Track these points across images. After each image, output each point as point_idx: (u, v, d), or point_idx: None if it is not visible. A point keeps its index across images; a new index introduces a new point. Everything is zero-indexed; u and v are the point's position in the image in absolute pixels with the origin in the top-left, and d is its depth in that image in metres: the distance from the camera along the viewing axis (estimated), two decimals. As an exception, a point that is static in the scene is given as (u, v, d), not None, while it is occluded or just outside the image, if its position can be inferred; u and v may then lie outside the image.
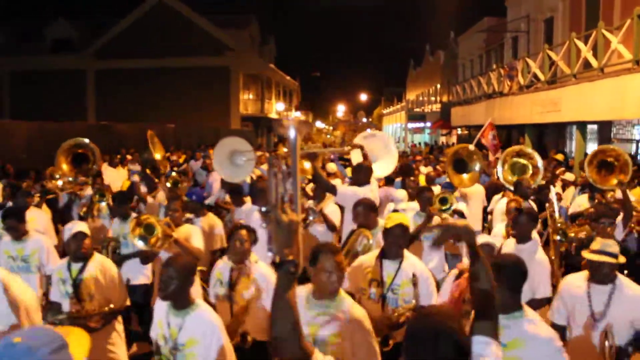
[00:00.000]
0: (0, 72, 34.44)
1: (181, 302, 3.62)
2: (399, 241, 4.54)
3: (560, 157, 15.16)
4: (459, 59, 36.54)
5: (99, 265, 4.80)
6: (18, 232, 5.59)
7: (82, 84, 34.60)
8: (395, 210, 7.64)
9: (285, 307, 2.15)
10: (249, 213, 6.86)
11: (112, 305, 4.65)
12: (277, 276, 2.17)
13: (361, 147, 7.17)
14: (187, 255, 4.06)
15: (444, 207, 6.54)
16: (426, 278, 4.56)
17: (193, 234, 5.80)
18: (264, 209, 2.19)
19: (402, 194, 8.67)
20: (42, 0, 55.34)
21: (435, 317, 2.22)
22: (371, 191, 6.78)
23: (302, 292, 3.52)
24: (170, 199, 6.19)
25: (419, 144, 39.91)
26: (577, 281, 4.34)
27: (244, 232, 4.60)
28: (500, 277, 3.19)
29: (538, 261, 5.14)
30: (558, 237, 6.33)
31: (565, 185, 10.72)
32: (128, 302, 4.87)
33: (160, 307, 3.73)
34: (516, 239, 5.43)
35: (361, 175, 6.68)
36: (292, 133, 2.12)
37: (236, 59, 34.12)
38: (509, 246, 5.40)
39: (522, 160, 8.54)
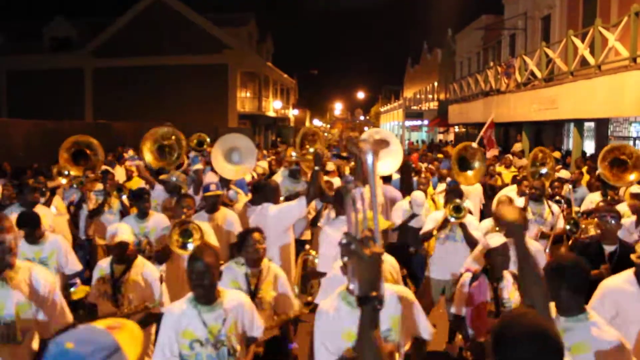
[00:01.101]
0: (-2, 71, 34.37)
1: (212, 295, 3.59)
2: None
3: (557, 154, 15.20)
4: (456, 57, 36.56)
5: (142, 268, 4.78)
6: (34, 237, 5.50)
7: (80, 82, 34.54)
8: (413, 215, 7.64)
9: (371, 345, 2.05)
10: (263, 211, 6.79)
11: (149, 305, 4.55)
12: (361, 312, 2.05)
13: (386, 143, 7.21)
14: (209, 248, 4.00)
15: (458, 216, 6.44)
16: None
17: (206, 230, 5.81)
18: (343, 240, 2.00)
19: (420, 195, 8.49)
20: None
21: (530, 319, 2.21)
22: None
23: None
24: (181, 197, 6.10)
25: (417, 141, 39.96)
26: (622, 284, 3.97)
27: (257, 235, 4.50)
28: (562, 279, 3.14)
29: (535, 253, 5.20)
30: (569, 227, 6.36)
31: (562, 182, 10.70)
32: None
33: (179, 317, 3.58)
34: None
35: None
36: (369, 158, 1.91)
37: (234, 56, 34.10)
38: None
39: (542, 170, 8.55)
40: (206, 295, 3.55)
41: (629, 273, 3.98)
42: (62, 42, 35.31)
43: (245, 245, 4.48)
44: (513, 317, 2.26)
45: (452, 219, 6.42)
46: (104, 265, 4.89)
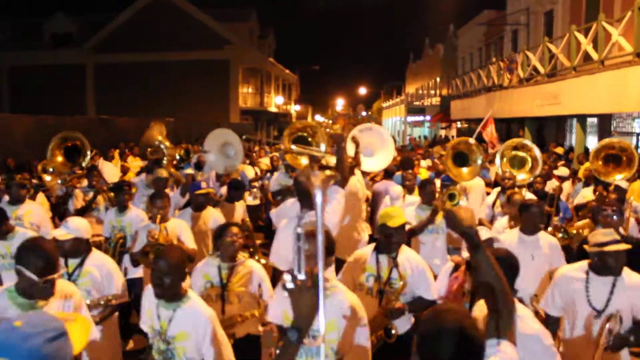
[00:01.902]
0: (-1, 67, 34.38)
1: (172, 296, 3.58)
2: (400, 239, 4.58)
3: (560, 150, 15.16)
4: (458, 52, 36.48)
5: (96, 261, 4.70)
6: (1, 232, 5.42)
7: (81, 78, 34.55)
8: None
9: None
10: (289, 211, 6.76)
11: (109, 297, 4.54)
12: (286, 342, 2.11)
13: (357, 143, 7.26)
14: (177, 249, 4.01)
15: (453, 203, 6.51)
16: (422, 271, 4.57)
17: (182, 229, 5.81)
18: (287, 279, 2.00)
19: (398, 189, 8.60)
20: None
21: (447, 314, 2.21)
22: (358, 182, 7.05)
23: None
24: (155, 197, 5.96)
25: (419, 137, 39.89)
26: (574, 273, 4.28)
27: (235, 229, 4.54)
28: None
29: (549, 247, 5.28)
30: (560, 235, 6.34)
31: (562, 180, 10.67)
32: (126, 298, 4.76)
33: (150, 297, 3.67)
34: (523, 230, 5.43)
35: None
36: (318, 196, 1.76)
37: (235, 52, 34.07)
38: (512, 238, 5.39)
39: (521, 153, 8.53)
40: (164, 295, 3.56)
41: (583, 263, 4.27)
42: (62, 38, 35.36)
43: (222, 238, 4.50)
44: (435, 313, 2.28)
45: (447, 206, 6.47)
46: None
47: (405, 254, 4.62)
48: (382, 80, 76.13)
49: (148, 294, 3.71)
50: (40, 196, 8.11)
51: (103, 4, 70.44)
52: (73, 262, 4.66)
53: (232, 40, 34.05)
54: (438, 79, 40.26)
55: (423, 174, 10.79)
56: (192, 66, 32.94)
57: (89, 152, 8.77)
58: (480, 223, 7.43)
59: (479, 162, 8.33)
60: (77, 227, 4.66)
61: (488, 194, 9.85)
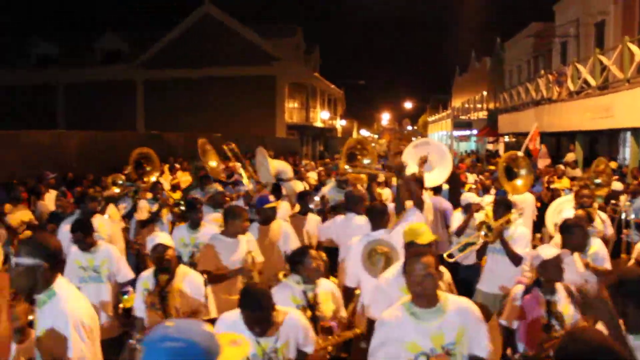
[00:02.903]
0: (55, 84, 35.49)
1: (268, 326, 3.67)
2: None
3: (613, 164, 14.73)
4: (505, 65, 36.00)
5: (185, 276, 4.77)
6: (85, 244, 5.56)
7: (131, 94, 35.41)
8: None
9: None
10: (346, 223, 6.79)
11: (195, 312, 4.58)
12: None
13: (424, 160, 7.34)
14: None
15: (485, 236, 6.35)
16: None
17: (251, 243, 5.83)
18: None
19: (448, 206, 8.51)
20: (92, 14, 56.97)
21: (592, 334, 2.29)
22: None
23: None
24: (234, 215, 5.83)
25: (465, 152, 39.40)
26: None
27: (313, 252, 4.49)
28: (625, 294, 3.00)
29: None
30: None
31: (616, 194, 10.36)
32: (215, 314, 4.73)
33: (232, 326, 3.65)
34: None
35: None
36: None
37: (281, 68, 34.40)
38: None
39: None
40: (261, 333, 3.60)
41: None
42: (113, 54, 36.34)
43: (304, 264, 4.43)
44: (577, 333, 2.33)
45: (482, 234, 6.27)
46: (146, 276, 4.88)
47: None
48: (428, 94, 75.59)
49: (226, 326, 3.66)
50: (111, 208, 8.28)
51: (153, 22, 72.24)
52: (162, 278, 4.74)
53: (279, 56, 34.40)
54: (485, 93, 39.79)
55: (467, 189, 10.68)
56: (239, 82, 33.38)
57: (155, 169, 9.05)
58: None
59: (529, 174, 8.20)
60: (169, 241, 4.82)
61: (538, 207, 9.67)
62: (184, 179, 13.57)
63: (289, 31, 37.40)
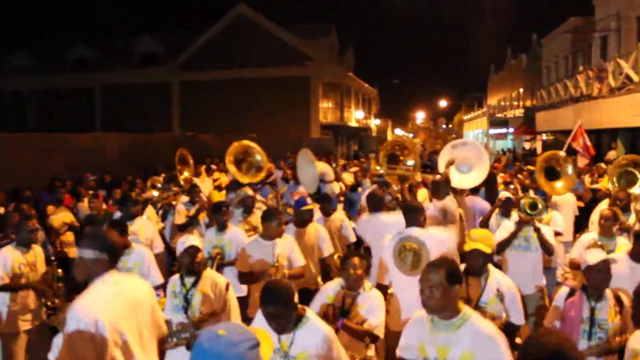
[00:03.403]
0: (92, 86, 36.13)
1: (287, 328, 3.55)
2: (478, 263, 4.51)
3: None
4: (542, 62, 35.39)
5: (210, 280, 4.81)
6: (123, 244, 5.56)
7: (167, 96, 35.84)
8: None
9: None
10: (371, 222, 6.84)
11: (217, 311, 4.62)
12: None
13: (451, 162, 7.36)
14: (283, 280, 3.94)
15: (533, 212, 6.29)
16: (512, 293, 4.44)
17: (293, 247, 5.80)
18: None
19: (485, 205, 8.44)
20: (128, 17, 57.92)
21: (548, 338, 2.30)
22: (452, 202, 7.03)
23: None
24: (270, 218, 5.83)
25: (502, 150, 38.87)
26: None
27: (356, 260, 4.47)
28: None
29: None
30: None
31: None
32: (238, 317, 4.78)
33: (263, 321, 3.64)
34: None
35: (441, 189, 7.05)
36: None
37: (316, 68, 34.42)
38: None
39: (634, 170, 8.13)
40: (279, 330, 3.54)
41: None
42: (150, 57, 36.85)
43: (344, 269, 4.49)
44: (536, 336, 2.42)
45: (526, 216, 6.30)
46: (175, 279, 4.94)
47: (495, 275, 4.50)
48: (463, 92, 74.90)
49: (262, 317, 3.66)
50: (150, 210, 8.39)
51: (188, 24, 73.09)
52: (188, 281, 4.78)
53: (312, 57, 34.43)
54: (521, 90, 39.20)
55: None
56: (273, 82, 33.50)
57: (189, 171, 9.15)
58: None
59: (571, 174, 8.02)
60: (199, 243, 4.93)
61: (580, 207, 9.45)
62: (223, 179, 13.68)
63: (323, 31, 37.39)
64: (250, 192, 8.56)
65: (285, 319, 3.50)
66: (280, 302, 3.46)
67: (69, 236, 9.19)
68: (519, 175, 12.12)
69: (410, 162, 7.99)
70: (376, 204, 6.92)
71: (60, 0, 75.74)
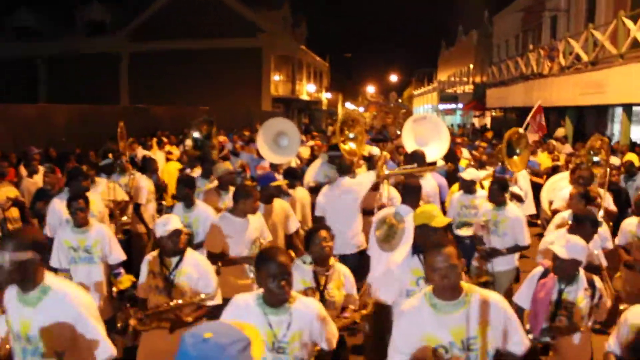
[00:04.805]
0: (35, 56, 34.68)
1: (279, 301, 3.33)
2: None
3: (606, 140, 14.67)
4: (493, 39, 35.80)
5: (193, 260, 4.60)
6: (83, 218, 5.33)
7: (116, 66, 34.77)
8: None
9: None
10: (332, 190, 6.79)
11: (203, 296, 4.41)
12: None
13: None
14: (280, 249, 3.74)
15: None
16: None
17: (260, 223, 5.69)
18: None
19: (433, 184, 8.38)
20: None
21: None
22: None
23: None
24: (246, 195, 5.57)
25: (451, 125, 39.36)
26: None
27: (323, 232, 4.29)
28: None
29: None
30: None
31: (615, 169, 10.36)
32: (219, 300, 4.52)
33: (244, 309, 3.37)
34: None
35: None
36: None
37: (268, 40, 33.95)
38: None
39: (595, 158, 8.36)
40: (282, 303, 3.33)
41: None
42: (97, 25, 35.58)
43: (313, 244, 4.27)
44: None
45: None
46: (151, 258, 4.69)
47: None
48: (414, 67, 75.28)
49: (236, 309, 3.41)
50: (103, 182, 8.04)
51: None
52: (170, 262, 4.57)
53: (265, 28, 33.93)
54: (471, 66, 39.67)
55: (463, 164, 10.59)
56: (225, 54, 32.88)
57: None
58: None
59: (526, 151, 8.19)
60: (180, 225, 4.69)
61: (534, 183, 9.65)
62: (175, 152, 13.36)
63: (277, 3, 36.86)
64: (229, 167, 8.21)
65: (285, 277, 3.29)
66: (282, 259, 3.31)
67: (14, 212, 8.76)
68: (474, 152, 12.20)
69: (352, 135, 7.85)
70: (344, 169, 6.92)
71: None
